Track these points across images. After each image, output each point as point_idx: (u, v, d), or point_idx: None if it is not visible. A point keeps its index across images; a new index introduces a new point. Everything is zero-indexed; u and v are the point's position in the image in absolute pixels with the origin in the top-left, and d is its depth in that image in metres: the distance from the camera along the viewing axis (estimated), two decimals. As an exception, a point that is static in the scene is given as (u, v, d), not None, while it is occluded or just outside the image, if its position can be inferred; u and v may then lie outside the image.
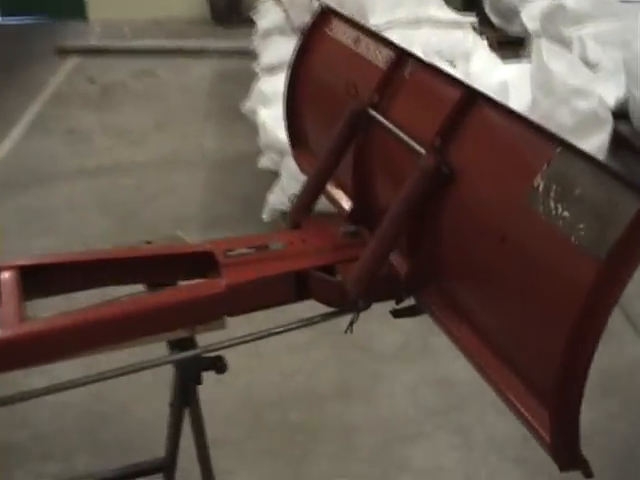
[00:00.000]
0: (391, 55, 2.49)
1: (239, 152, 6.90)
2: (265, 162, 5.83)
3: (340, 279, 2.25)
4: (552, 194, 1.74)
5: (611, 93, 5.22)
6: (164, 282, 2.35)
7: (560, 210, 1.72)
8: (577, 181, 1.70)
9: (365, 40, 2.69)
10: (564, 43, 7.02)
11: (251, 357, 4.14)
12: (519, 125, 1.91)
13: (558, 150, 1.76)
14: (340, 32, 2.89)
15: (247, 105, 6.52)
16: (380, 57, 2.54)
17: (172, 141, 7.32)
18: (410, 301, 2.30)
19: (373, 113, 2.41)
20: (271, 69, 6.46)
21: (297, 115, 3.04)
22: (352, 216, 2.56)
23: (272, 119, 5.44)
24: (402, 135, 2.22)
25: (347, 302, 2.19)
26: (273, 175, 5.62)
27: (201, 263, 2.32)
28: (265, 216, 5.48)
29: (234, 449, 3.77)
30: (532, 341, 1.80)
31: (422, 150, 2.11)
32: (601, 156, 5.25)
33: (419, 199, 2.09)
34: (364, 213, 2.55)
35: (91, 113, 8.09)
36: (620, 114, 5.48)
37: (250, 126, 6.19)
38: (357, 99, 2.48)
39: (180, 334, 2.29)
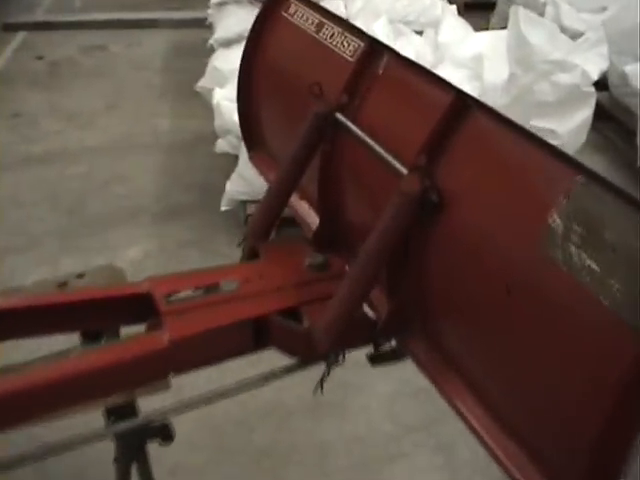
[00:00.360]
0: (361, 46, 2.09)
1: (195, 133, 6.49)
2: (222, 146, 5.39)
3: (307, 326, 1.86)
4: (573, 237, 1.36)
5: (593, 65, 4.83)
6: (101, 329, 1.96)
7: (585, 260, 1.34)
8: (607, 222, 1.32)
9: (329, 27, 2.29)
10: (536, 8, 6.65)
11: (212, 370, 3.75)
12: (526, 143, 1.53)
13: (580, 180, 1.37)
14: (299, 15, 2.48)
15: (201, 83, 6.06)
16: (348, 48, 2.14)
17: (124, 123, 6.88)
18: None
19: (341, 118, 2.02)
20: (227, 43, 6.03)
21: (252, 113, 2.64)
22: (319, 236, 2.18)
23: (228, 100, 5.01)
24: (377, 148, 1.84)
25: (316, 354, 1.81)
26: (232, 158, 5.20)
27: (141, 306, 1.92)
28: (224, 206, 5.06)
29: (196, 477, 3.40)
30: (548, 422, 1.44)
31: (403, 169, 1.72)
32: (584, 133, 4.91)
33: (401, 231, 1.71)
34: (333, 232, 2.17)
35: (39, 93, 7.60)
36: (599, 84, 5.12)
37: (207, 105, 5.76)
38: (322, 100, 2.08)
39: (117, 399, 1.89)
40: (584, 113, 4.85)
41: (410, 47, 5.34)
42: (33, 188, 5.76)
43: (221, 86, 5.39)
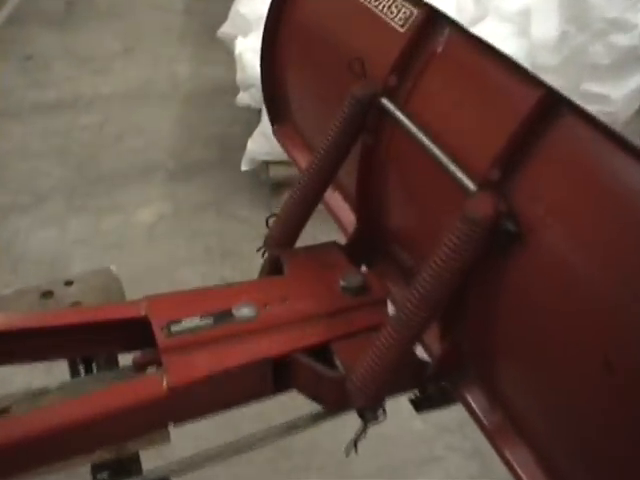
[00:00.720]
0: (414, 14, 1.69)
1: (216, 82, 6.12)
2: (244, 98, 4.98)
3: (340, 373, 1.50)
4: None
5: (652, 24, 4.39)
6: (91, 356, 1.61)
7: None
8: None
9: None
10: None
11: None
12: (634, 158, 1.14)
13: None
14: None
15: (223, 29, 5.61)
16: (398, 15, 1.74)
17: (141, 68, 6.50)
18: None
19: (388, 105, 1.63)
20: (252, -17, 5.56)
21: (278, 81, 2.25)
22: (355, 242, 1.81)
23: (251, 51, 4.59)
24: (434, 149, 1.45)
25: (348, 406, 1.46)
26: (254, 111, 4.81)
27: (137, 332, 1.57)
28: (244, 166, 4.68)
29: (208, 477, 3.07)
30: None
31: (469, 183, 1.34)
32: (639, 99, 4.49)
33: (465, 265, 1.33)
34: (373, 240, 1.79)
35: (52, 34, 7.20)
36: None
37: (229, 51, 5.35)
38: (364, 80, 1.69)
39: (106, 454, 1.54)
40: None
41: (449, -2, 4.90)
42: (42, 139, 5.41)
43: (244, 34, 4.98)
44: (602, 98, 4.33)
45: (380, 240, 1.80)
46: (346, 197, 1.93)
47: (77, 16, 7.67)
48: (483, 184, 1.33)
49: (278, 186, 4.54)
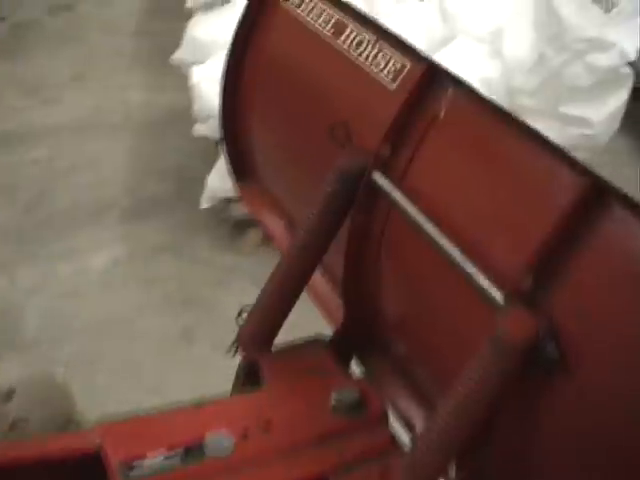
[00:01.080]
0: (409, 70, 1.42)
1: (171, 109, 5.82)
2: (201, 130, 4.69)
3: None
4: None
5: (630, 41, 4.16)
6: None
7: None
8: None
9: (354, 30, 1.62)
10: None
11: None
12: None
13: None
14: (307, 9, 1.80)
15: (177, 55, 5.29)
16: (388, 70, 1.47)
17: (92, 96, 6.19)
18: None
19: (381, 180, 1.36)
20: (207, 6, 5.27)
21: (243, 134, 1.97)
22: (343, 333, 1.53)
23: (208, 80, 4.31)
24: (445, 244, 1.18)
25: None
26: (212, 143, 4.51)
27: (89, 468, 1.28)
28: (204, 204, 4.39)
29: None
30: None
31: (496, 293, 1.07)
32: (618, 120, 4.28)
33: (493, 395, 1.06)
34: (363, 329, 1.52)
35: (-2, 61, 6.85)
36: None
37: (183, 76, 5.04)
38: (350, 149, 1.42)
39: None
40: (620, 98, 4.24)
41: (414, 17, 4.64)
42: (-14, 176, 5.07)
43: (200, 61, 4.72)
44: (582, 121, 4.13)
45: (372, 330, 1.52)
46: (330, 279, 1.66)
47: (23, 41, 7.32)
48: (514, 294, 1.06)
49: (240, 225, 4.29)
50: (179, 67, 5.22)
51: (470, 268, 1.14)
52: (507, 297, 1.07)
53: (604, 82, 4.12)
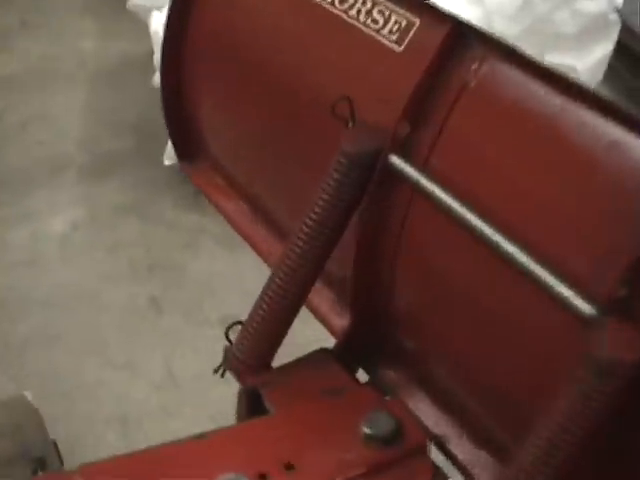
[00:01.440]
0: (422, 28, 1.18)
1: (128, 57, 5.54)
2: (162, 80, 4.39)
3: None
4: None
5: (619, -12, 3.98)
6: None
7: None
8: None
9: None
10: None
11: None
12: None
13: None
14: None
15: (134, 0, 4.97)
16: (389, 29, 1.23)
17: (43, 44, 5.85)
18: None
19: (401, 165, 1.12)
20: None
21: (189, 105, 1.73)
22: (348, 341, 1.31)
23: (169, 27, 4.00)
24: (502, 243, 0.95)
25: None
26: (174, 94, 4.22)
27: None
28: (167, 161, 4.12)
29: None
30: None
31: (583, 304, 0.85)
32: (603, 69, 4.10)
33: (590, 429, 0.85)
34: (371, 340, 1.30)
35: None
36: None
37: (141, 22, 4.75)
38: (359, 129, 1.18)
39: None
40: (606, 46, 4.09)
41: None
42: None
43: (159, 6, 4.40)
44: (567, 69, 3.91)
45: (386, 338, 1.30)
46: (329, 283, 1.42)
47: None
48: (608, 304, 0.84)
49: (204, 183, 4.01)
50: (136, 12, 4.91)
51: (539, 270, 0.92)
52: (601, 308, 0.86)
53: (591, 30, 3.97)
